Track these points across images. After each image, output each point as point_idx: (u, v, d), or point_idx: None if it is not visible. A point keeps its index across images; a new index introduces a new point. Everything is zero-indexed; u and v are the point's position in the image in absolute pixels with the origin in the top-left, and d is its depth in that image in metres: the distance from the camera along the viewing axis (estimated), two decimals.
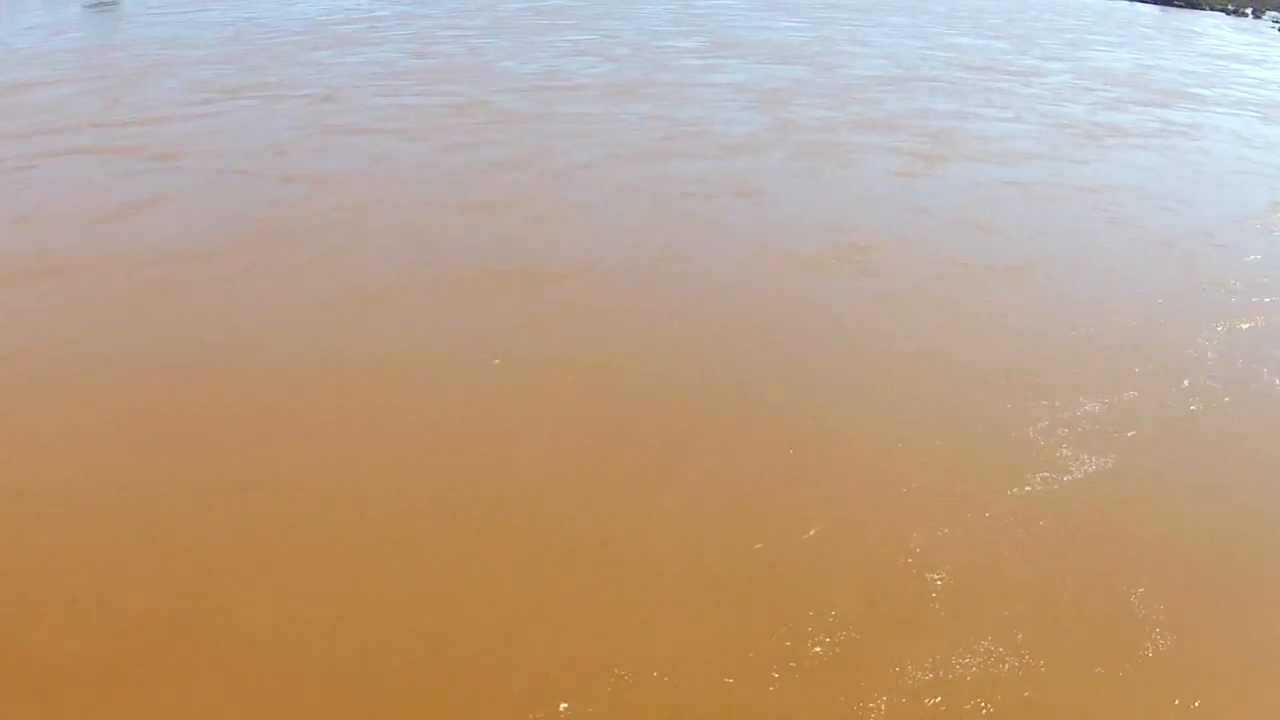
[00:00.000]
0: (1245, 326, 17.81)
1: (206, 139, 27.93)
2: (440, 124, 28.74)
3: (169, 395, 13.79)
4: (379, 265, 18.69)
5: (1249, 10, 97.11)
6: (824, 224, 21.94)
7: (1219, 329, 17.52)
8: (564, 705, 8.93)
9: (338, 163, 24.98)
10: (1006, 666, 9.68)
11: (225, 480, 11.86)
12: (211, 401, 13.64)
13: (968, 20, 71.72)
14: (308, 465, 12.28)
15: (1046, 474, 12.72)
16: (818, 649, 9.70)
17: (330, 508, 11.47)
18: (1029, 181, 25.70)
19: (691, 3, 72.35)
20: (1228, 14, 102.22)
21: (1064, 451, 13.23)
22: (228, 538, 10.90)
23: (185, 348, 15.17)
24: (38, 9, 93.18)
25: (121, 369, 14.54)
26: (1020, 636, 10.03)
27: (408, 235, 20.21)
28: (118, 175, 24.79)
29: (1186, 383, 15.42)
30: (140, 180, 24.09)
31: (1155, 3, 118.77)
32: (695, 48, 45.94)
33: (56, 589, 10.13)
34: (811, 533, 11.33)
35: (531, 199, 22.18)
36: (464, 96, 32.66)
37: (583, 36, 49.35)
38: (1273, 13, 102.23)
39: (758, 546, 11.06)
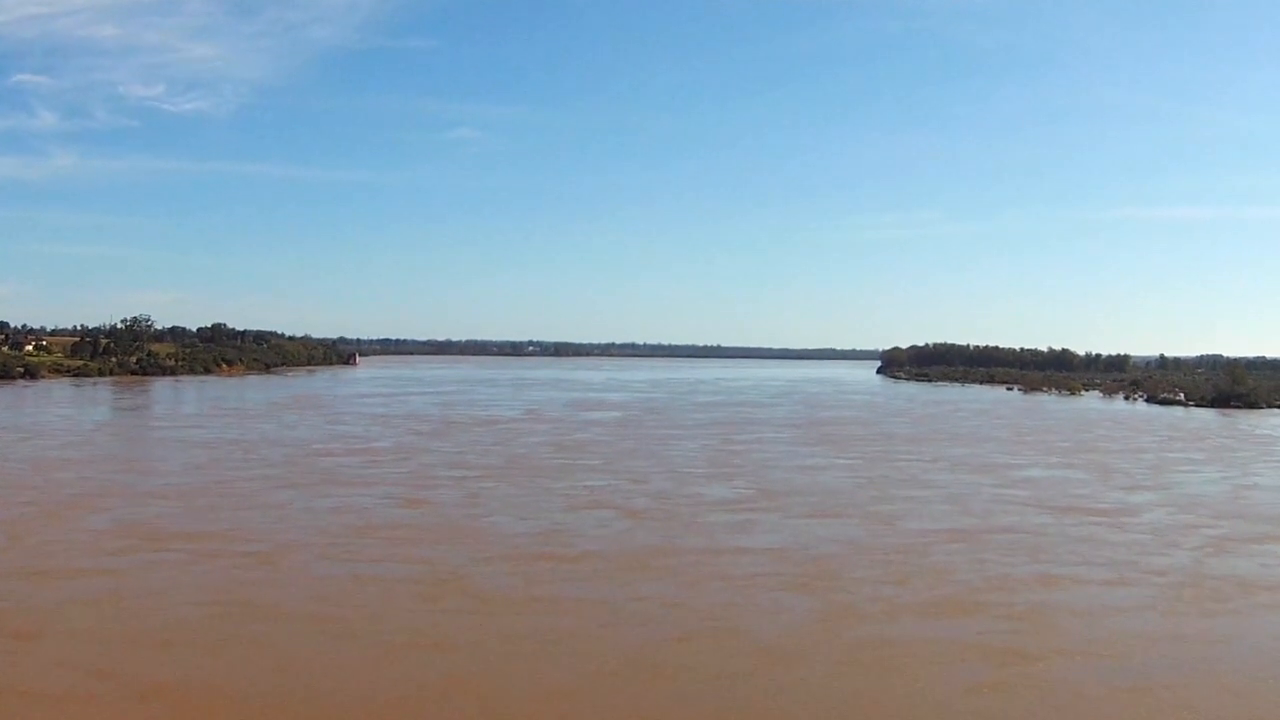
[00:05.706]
0: None
1: (84, 612, 22.90)
2: (389, 611, 23.29)
3: None
4: None
5: None
6: None
7: None
8: None
9: (231, 667, 19.34)
10: None
11: None
12: None
13: (1035, 445, 67.30)
14: None
15: None
16: None
17: None
18: (1155, 684, 19.32)
19: (731, 437, 69.15)
20: None
21: None
22: None
23: None
24: (63, 401, 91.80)
25: None
26: None
27: None
28: None
29: None
30: None
31: (1211, 406, 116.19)
32: (729, 497, 41.13)
33: None
34: None
35: None
36: (435, 568, 27.48)
37: (602, 482, 45.15)
38: None
39: None
